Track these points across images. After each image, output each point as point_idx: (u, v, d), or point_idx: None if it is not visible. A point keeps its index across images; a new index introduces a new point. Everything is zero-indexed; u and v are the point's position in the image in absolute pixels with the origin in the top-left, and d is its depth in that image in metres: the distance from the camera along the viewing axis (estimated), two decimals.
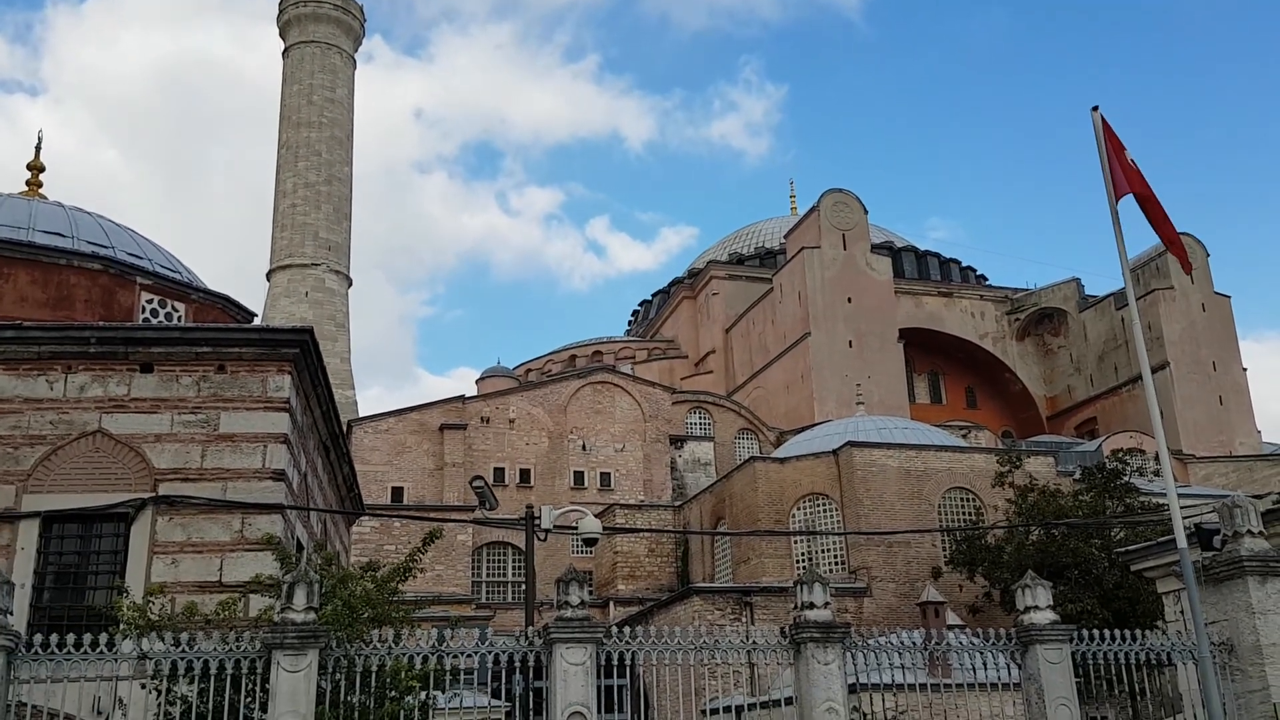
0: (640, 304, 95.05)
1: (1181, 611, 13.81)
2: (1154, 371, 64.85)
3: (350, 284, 68.33)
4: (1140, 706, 18.44)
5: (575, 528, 17.63)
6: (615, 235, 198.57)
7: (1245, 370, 70.14)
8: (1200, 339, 69.21)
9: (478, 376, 74.35)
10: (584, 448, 57.31)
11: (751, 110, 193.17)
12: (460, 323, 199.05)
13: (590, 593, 51.90)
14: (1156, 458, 41.34)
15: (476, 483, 18.92)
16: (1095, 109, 12.55)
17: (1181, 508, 13.43)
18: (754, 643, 11.92)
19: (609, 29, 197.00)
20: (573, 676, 10.40)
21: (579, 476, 56.77)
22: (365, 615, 11.60)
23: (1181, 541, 12.09)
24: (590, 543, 17.78)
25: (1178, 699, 14.75)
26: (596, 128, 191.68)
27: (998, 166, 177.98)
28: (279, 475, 14.70)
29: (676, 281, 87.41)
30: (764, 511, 44.56)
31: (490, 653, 10.99)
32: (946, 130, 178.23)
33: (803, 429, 57.47)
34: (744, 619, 37.74)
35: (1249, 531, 12.19)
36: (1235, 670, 11.84)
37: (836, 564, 43.70)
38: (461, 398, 57.82)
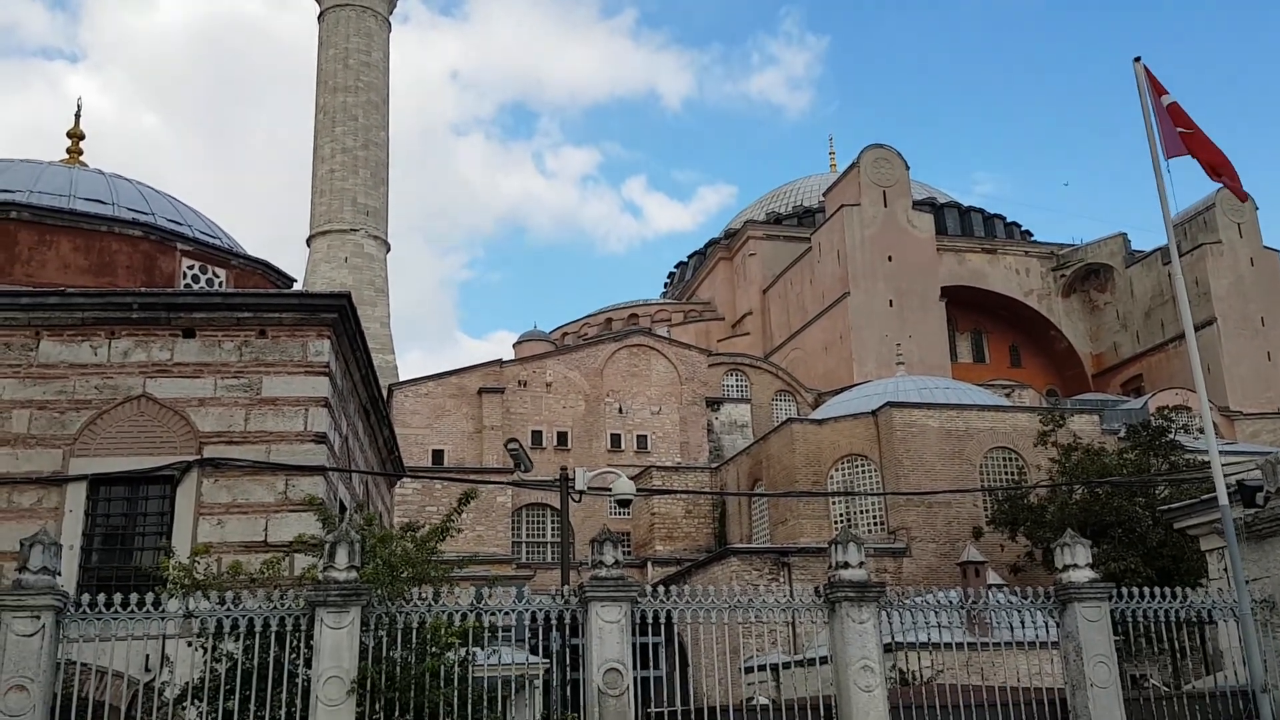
0: (676, 266, 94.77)
1: (1224, 569, 13.63)
2: (1201, 328, 63.98)
3: (389, 249, 68.73)
4: (1181, 664, 18.31)
5: (609, 489, 17.74)
6: (652, 195, 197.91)
7: None
8: (1249, 294, 67.78)
9: (514, 340, 74.76)
10: (620, 411, 57.51)
11: (792, 64, 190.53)
12: (499, 286, 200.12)
13: (628, 553, 52.13)
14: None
15: (512, 445, 19.09)
16: (1138, 59, 12.23)
17: (1227, 465, 13.24)
18: (789, 602, 11.96)
19: None
20: (608, 634, 10.51)
21: (616, 439, 57.04)
22: (405, 574, 11.77)
23: (1223, 499, 11.94)
24: (625, 504, 17.91)
25: (1219, 656, 14.63)
26: (634, 85, 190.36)
27: (1043, 119, 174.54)
28: (320, 438, 14.90)
29: (713, 242, 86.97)
30: (801, 473, 44.55)
31: (527, 610, 11.13)
32: (991, 83, 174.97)
33: (841, 390, 57.23)
34: (781, 579, 37.90)
35: None
36: (1277, 627, 11.70)
37: (876, 524, 43.65)
38: (499, 362, 58.17)
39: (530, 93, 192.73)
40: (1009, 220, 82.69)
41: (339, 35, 69.38)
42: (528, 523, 51.32)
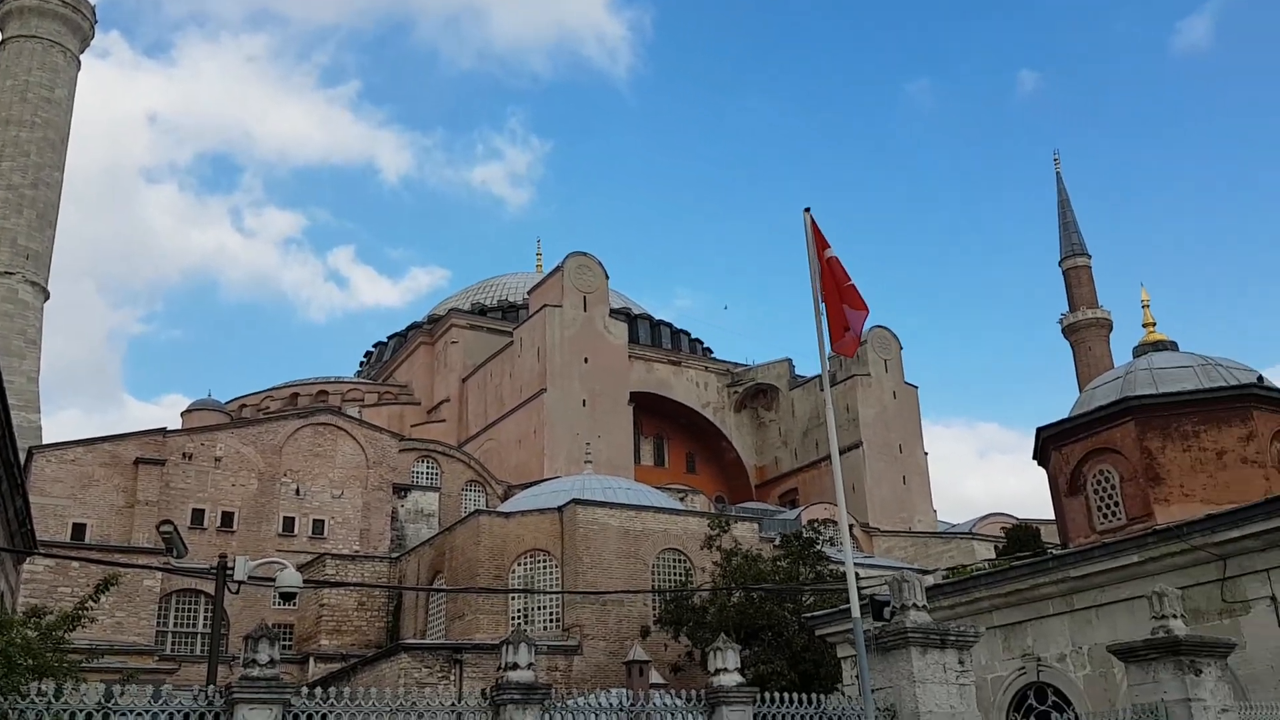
0: (375, 345, 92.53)
1: (855, 676, 14.96)
2: (848, 450, 70.90)
3: (47, 297, 62.03)
4: None
5: (273, 580, 16.70)
6: (361, 268, 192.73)
7: (926, 454, 77.75)
8: (891, 423, 76.07)
9: (184, 409, 69.30)
10: (298, 492, 54.58)
11: (515, 161, 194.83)
12: (177, 345, 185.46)
13: (288, 648, 48.90)
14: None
15: (165, 528, 17.57)
16: (807, 210, 13.73)
17: (866, 578, 14.66)
18: (454, 705, 11.77)
19: (373, 56, 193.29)
20: None
21: (289, 523, 53.92)
22: (24, 665, 10.44)
23: (855, 611, 13.17)
24: (289, 596, 16.91)
25: None
26: (350, 156, 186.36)
27: (733, 249, 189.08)
28: None
29: (415, 326, 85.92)
30: (484, 566, 44.13)
31: (164, 711, 10.17)
32: (692, 209, 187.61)
33: (532, 484, 57.68)
34: (453, 678, 37.01)
35: (914, 605, 13.40)
36: None
37: (552, 621, 43.87)
38: (163, 430, 53.61)
39: (236, 146, 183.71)
40: (693, 336, 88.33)
41: (19, 68, 63.29)
42: (177, 610, 46.87)
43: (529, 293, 76.25)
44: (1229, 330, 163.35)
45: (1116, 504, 21.90)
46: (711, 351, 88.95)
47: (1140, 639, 13.90)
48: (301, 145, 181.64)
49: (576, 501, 45.23)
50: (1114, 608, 17.14)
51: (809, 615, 26.17)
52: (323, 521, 54.61)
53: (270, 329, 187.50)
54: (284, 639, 45.28)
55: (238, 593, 17.17)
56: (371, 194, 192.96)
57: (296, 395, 77.54)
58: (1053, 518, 24.61)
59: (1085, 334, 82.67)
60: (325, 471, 55.55)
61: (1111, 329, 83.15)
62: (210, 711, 10.21)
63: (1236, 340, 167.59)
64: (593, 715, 12.38)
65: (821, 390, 76.23)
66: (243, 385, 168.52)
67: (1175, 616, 13.57)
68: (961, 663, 13.31)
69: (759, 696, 12.54)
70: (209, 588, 42.03)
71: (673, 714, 12.49)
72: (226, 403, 73.65)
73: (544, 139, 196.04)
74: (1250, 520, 15.29)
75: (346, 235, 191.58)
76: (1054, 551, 22.52)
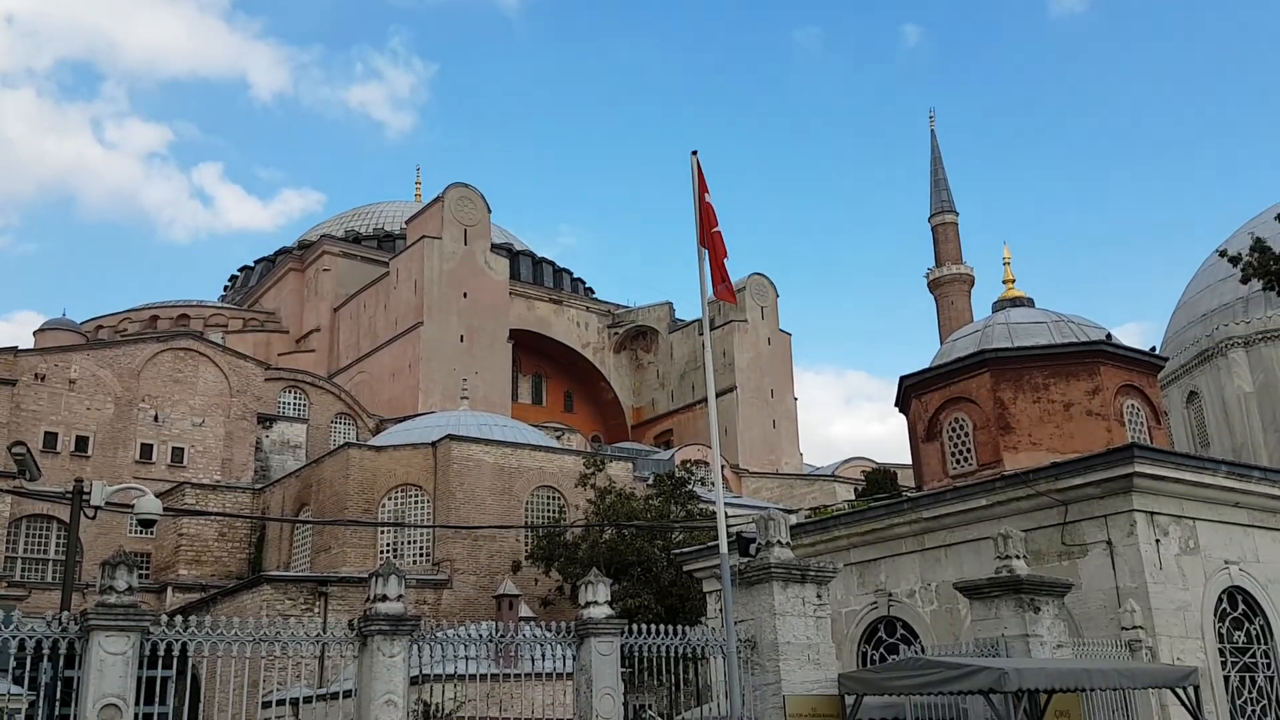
0: (240, 270, 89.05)
1: (720, 610, 15.48)
2: (723, 394, 72.33)
3: None
4: (677, 696, 20.45)
5: (132, 506, 16.10)
6: (229, 187, 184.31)
7: (796, 399, 79.97)
8: (764, 368, 77.83)
9: (37, 327, 65.58)
10: (157, 419, 52.53)
11: (397, 83, 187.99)
12: (31, 261, 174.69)
13: (145, 577, 47.47)
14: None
15: (17, 449, 16.73)
16: (694, 153, 13.80)
17: (734, 517, 15.11)
18: (320, 635, 11.68)
19: None
20: (110, 667, 9.58)
21: (147, 449, 51.95)
22: None
23: (724, 548, 13.59)
24: (148, 524, 16.39)
25: (708, 689, 16.54)
26: (221, 69, 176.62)
27: (620, 188, 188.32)
28: None
29: (285, 251, 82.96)
30: (353, 500, 43.57)
31: (15, 637, 9.80)
32: (578, 147, 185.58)
33: (405, 418, 56.93)
34: (317, 610, 36.64)
35: (779, 542, 13.92)
36: (756, 664, 13.43)
37: (422, 556, 43.75)
38: (14, 349, 50.66)
39: (100, 53, 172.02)
40: (576, 275, 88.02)
41: None
42: (28, 536, 44.87)
43: (407, 223, 74.45)
44: (1084, 289, 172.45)
45: (969, 450, 23.07)
46: (593, 292, 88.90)
47: (985, 577, 14.78)
48: (169, 55, 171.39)
49: (451, 437, 44.94)
50: (962, 548, 18.14)
51: (678, 552, 26.82)
52: (182, 450, 52.81)
53: (130, 247, 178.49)
54: (141, 568, 43.91)
55: (94, 518, 16.54)
56: (242, 110, 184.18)
57: (156, 318, 74.24)
58: (910, 462, 25.77)
59: (949, 288, 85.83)
60: (186, 398, 53.57)
61: (974, 284, 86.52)
62: (64, 638, 9.90)
63: (1090, 299, 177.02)
64: (461, 646, 12.48)
65: (701, 334, 77.52)
66: (100, 305, 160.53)
67: (1018, 557, 14.47)
68: (819, 597, 13.93)
69: (627, 628, 12.88)
70: (62, 514, 40.33)
71: (542, 645, 12.71)
72: (82, 323, 70.04)
73: (428, 62, 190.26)
74: (1091, 469, 16.34)
75: (215, 152, 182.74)
76: (909, 494, 23.63)
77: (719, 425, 15.82)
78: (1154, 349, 26.34)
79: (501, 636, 12.98)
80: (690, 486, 40.39)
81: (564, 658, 12.87)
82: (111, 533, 43.10)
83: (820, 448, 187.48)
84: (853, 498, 46.30)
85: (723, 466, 15.03)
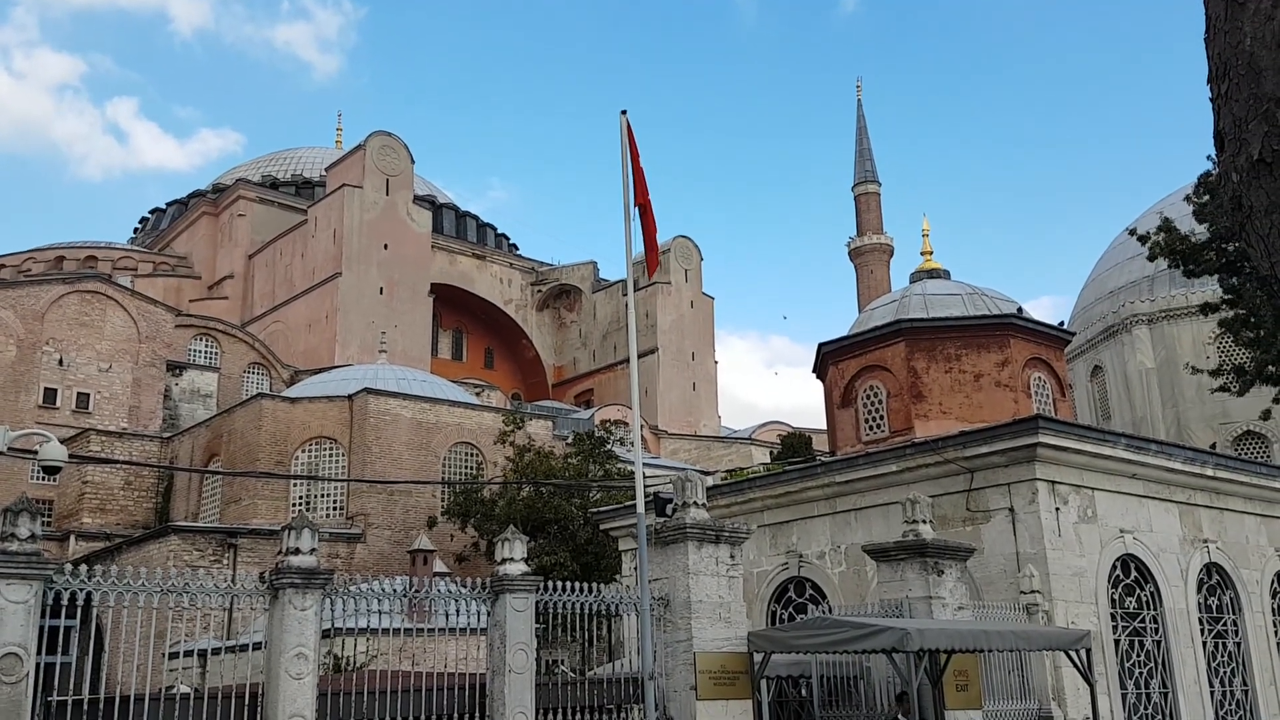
0: (151, 212, 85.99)
1: (635, 568, 15.67)
2: (644, 355, 72.67)
3: None
4: (589, 652, 20.69)
5: (35, 452, 15.55)
6: (144, 124, 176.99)
7: (717, 363, 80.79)
8: (686, 331, 78.32)
9: None
10: (61, 363, 50.73)
11: (325, 23, 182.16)
12: None
13: (48, 524, 46.00)
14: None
15: None
16: (624, 113, 13.72)
17: (652, 477, 15.26)
18: (230, 587, 11.54)
19: None
20: (10, 615, 9.34)
21: (50, 394, 50.20)
22: None
23: (641, 508, 13.74)
24: (52, 470, 15.88)
25: (621, 645, 16.77)
26: (140, 0, 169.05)
27: (548, 145, 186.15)
28: None
29: (199, 194, 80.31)
30: (265, 451, 42.78)
31: None
32: (511, 100, 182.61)
33: (321, 370, 55.94)
34: (226, 562, 36.03)
35: (695, 503, 14.14)
36: (668, 622, 13.68)
37: (336, 509, 43.26)
38: None
39: None
40: (500, 231, 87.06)
41: None
42: None
43: (327, 170, 72.63)
44: (1000, 262, 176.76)
45: (882, 417, 23.62)
46: (517, 248, 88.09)
47: (892, 541, 15.23)
48: None
49: (369, 391, 44.34)
50: (871, 512, 18.64)
51: (596, 510, 27.01)
52: (88, 395, 51.15)
53: (38, 184, 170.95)
54: (44, 515, 42.57)
55: None
56: (161, 45, 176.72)
57: (62, 259, 71.38)
58: (825, 427, 26.29)
59: (869, 258, 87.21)
60: (92, 343, 51.79)
61: (893, 254, 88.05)
62: None
63: (1005, 272, 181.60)
64: (374, 600, 12.44)
65: (625, 295, 77.57)
66: (3, 244, 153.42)
67: (925, 522, 14.93)
68: (733, 557, 14.20)
69: (542, 585, 12.97)
70: None
71: (456, 600, 12.73)
72: None
73: (358, 3, 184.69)
74: (997, 438, 16.89)
75: (130, 87, 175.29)
76: (823, 459, 24.11)
77: (639, 386, 15.91)
78: (1063, 323, 27.20)
79: (415, 591, 12.97)
80: (609, 446, 40.58)
81: (478, 614, 12.92)
82: (12, 479, 41.68)
83: (740, 411, 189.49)
84: (768, 461, 47.04)
85: (642, 427, 15.12)
